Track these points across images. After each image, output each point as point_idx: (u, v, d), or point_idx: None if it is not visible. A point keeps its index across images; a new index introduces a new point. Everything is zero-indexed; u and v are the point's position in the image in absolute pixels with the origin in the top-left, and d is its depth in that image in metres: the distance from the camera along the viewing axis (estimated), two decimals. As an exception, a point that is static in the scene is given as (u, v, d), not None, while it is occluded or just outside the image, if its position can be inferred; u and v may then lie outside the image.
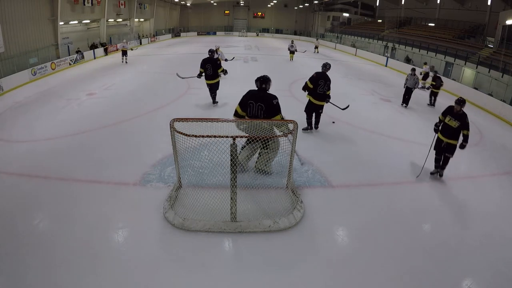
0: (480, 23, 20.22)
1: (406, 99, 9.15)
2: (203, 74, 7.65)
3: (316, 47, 23.35)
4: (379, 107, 9.03)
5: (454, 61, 15.05)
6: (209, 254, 3.21)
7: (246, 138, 3.95)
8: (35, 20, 13.71)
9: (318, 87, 6.11)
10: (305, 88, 6.26)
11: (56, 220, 3.69)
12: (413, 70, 9.23)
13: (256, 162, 4.58)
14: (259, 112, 4.25)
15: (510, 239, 3.68)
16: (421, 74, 12.27)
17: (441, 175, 5.03)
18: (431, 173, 5.08)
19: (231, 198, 3.47)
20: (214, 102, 8.11)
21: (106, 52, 19.15)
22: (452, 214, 4.10)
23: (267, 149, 4.23)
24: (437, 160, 5.00)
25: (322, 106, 6.34)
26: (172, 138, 3.62)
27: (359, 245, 3.46)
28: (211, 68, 7.50)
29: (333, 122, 7.16)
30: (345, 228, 3.75)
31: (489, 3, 19.47)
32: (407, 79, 9.02)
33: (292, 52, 16.79)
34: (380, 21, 30.07)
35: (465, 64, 14.30)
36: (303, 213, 3.82)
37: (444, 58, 15.80)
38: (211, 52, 7.75)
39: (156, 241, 3.39)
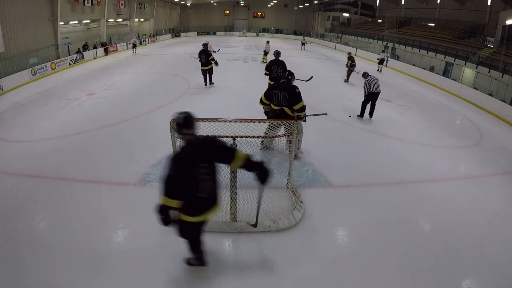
0: (480, 23, 20.20)
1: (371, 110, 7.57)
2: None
3: (303, 44, 24.51)
4: (379, 107, 8.99)
5: (454, 61, 15.04)
6: (209, 254, 3.20)
7: (268, 125, 4.86)
8: (35, 20, 13.70)
9: (272, 72, 7.52)
10: (266, 74, 7.71)
11: (56, 220, 3.69)
12: (364, 73, 7.60)
13: (289, 148, 4.84)
14: (283, 100, 4.75)
15: (510, 239, 3.68)
16: (378, 59, 16.39)
17: None
18: None
19: (231, 198, 3.47)
20: (211, 83, 10.17)
21: (106, 52, 19.16)
22: (452, 214, 4.09)
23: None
24: None
25: None
26: (172, 138, 3.62)
27: (359, 245, 3.46)
28: (205, 57, 9.45)
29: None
30: (345, 228, 3.75)
31: (489, 3, 19.44)
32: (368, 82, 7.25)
33: (265, 54, 15.85)
34: (380, 21, 30.04)
35: (465, 64, 14.29)
36: (303, 213, 3.82)
37: (444, 58, 15.79)
38: (205, 45, 9.92)
39: (156, 241, 3.39)
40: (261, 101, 5.03)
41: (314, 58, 19.31)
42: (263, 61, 15.52)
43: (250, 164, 2.44)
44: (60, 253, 3.15)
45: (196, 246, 2.78)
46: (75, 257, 3.11)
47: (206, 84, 10.05)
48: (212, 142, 2.44)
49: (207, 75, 9.90)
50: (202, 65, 9.62)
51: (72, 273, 2.93)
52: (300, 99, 4.75)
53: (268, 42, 17.01)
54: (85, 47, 17.81)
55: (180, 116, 2.33)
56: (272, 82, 7.42)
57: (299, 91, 4.77)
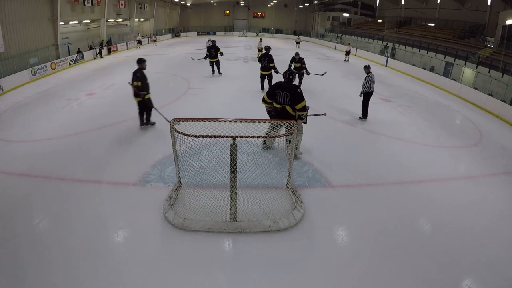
0: (480, 23, 20.19)
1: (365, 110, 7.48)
2: (208, 55, 11.57)
3: (298, 43, 26.69)
4: (379, 107, 9.00)
5: (454, 61, 15.03)
6: (209, 254, 3.21)
7: (270, 125, 4.91)
8: (35, 20, 13.69)
9: (261, 63, 9.42)
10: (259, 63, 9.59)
11: (56, 220, 3.69)
12: (368, 67, 7.50)
13: (288, 148, 4.83)
14: (285, 99, 4.83)
15: (510, 239, 3.68)
16: (345, 51, 19.25)
17: None
18: None
19: (231, 198, 3.47)
20: (219, 73, 12.15)
21: (109, 51, 19.20)
22: (452, 214, 4.09)
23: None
24: None
25: (269, 74, 9.46)
26: (172, 138, 3.62)
27: (359, 245, 3.46)
28: (214, 51, 11.41)
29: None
30: (345, 228, 3.75)
31: (489, 3, 19.42)
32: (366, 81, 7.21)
33: (260, 50, 17.24)
34: (380, 21, 30.04)
35: (465, 64, 14.29)
36: (303, 213, 3.82)
37: (444, 58, 15.78)
38: (213, 41, 11.93)
39: (156, 241, 3.39)
40: (264, 100, 5.14)
41: (314, 58, 19.31)
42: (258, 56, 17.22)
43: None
44: (60, 253, 3.15)
45: (139, 114, 6.36)
46: (75, 257, 3.11)
47: (213, 73, 12.11)
48: (137, 71, 6.01)
49: (214, 66, 11.98)
50: (211, 58, 11.59)
51: (72, 272, 2.93)
52: (302, 99, 4.82)
53: (261, 40, 19.36)
54: (101, 45, 18.24)
55: (138, 58, 6.13)
56: (262, 72, 9.49)
57: (301, 91, 4.84)
